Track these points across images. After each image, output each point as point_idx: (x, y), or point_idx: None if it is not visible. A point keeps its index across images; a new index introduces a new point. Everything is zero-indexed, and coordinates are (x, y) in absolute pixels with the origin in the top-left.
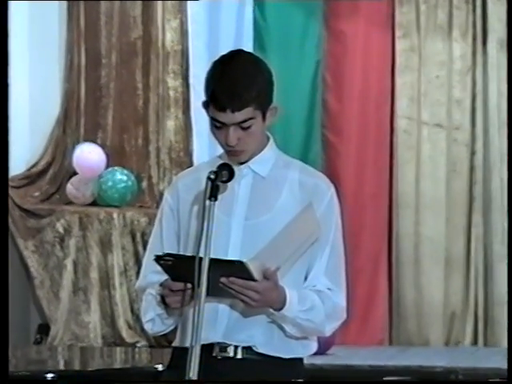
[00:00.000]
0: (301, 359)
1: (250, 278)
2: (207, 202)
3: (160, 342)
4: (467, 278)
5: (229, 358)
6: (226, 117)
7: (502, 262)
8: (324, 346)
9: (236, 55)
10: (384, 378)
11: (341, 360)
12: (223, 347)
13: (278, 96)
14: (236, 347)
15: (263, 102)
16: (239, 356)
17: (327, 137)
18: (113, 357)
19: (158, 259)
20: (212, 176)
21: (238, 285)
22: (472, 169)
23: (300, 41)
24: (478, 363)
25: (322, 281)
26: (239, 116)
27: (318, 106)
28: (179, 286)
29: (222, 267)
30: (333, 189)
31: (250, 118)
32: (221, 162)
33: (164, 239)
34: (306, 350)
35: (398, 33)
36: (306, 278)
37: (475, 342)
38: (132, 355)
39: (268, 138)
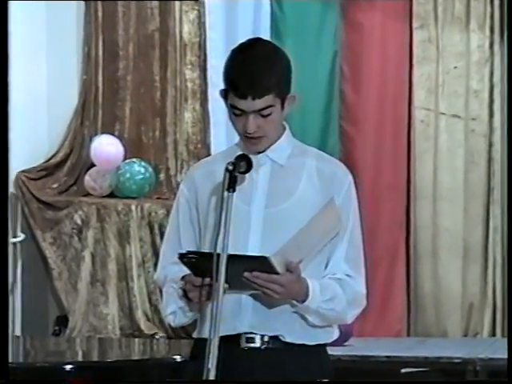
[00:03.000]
0: (324, 345)
1: (273, 271)
2: (225, 194)
3: (178, 333)
4: (485, 269)
5: (255, 348)
6: (246, 104)
7: None
8: (342, 337)
9: (255, 43)
10: (402, 369)
11: (359, 351)
12: (250, 338)
13: (296, 87)
14: (262, 337)
15: (283, 89)
16: (266, 346)
17: (344, 128)
18: (131, 348)
19: (182, 257)
20: (230, 167)
21: (262, 279)
22: (490, 160)
23: (317, 32)
24: (496, 354)
25: (341, 268)
26: (259, 103)
27: (335, 97)
28: (202, 281)
29: (245, 262)
30: (350, 176)
31: (270, 106)
32: (238, 150)
33: (181, 230)
34: (329, 336)
35: (415, 24)
36: (326, 267)
37: (493, 332)
38: (150, 346)
39: (284, 127)
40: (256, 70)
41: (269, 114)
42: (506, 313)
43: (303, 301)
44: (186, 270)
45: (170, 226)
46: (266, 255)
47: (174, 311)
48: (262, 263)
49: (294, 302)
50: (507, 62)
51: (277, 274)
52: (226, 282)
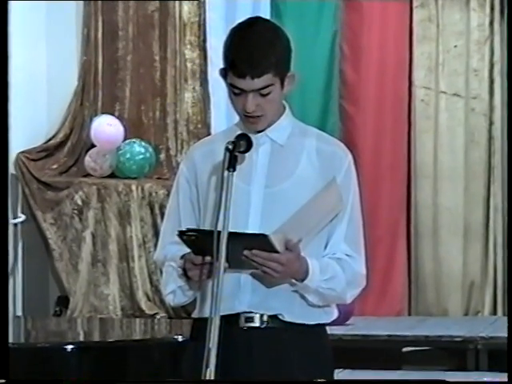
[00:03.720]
0: (324, 325)
1: (273, 250)
2: (225, 173)
3: (179, 313)
4: (486, 248)
5: (254, 327)
6: (246, 83)
7: None
8: (343, 317)
9: (255, 22)
10: (403, 349)
11: (360, 330)
12: (249, 317)
13: (295, 66)
14: (262, 316)
15: (282, 68)
16: (265, 325)
17: (344, 107)
18: (132, 328)
19: (182, 234)
20: (230, 146)
21: (261, 257)
22: (490, 139)
23: (317, 11)
24: (498, 332)
25: (341, 248)
26: (258, 82)
27: (335, 77)
28: (202, 259)
29: (244, 240)
30: (350, 156)
31: (269, 85)
32: (237, 130)
33: (181, 210)
34: (328, 316)
35: (415, 2)
36: (325, 247)
37: (494, 311)
38: (151, 326)
39: (284, 107)
40: (255, 49)
41: (268, 93)
42: (506, 291)
43: (302, 280)
44: (185, 250)
45: (170, 206)
46: (266, 233)
47: (174, 290)
48: (261, 241)
49: (294, 280)
50: (507, 40)
51: (276, 252)
52: (226, 260)
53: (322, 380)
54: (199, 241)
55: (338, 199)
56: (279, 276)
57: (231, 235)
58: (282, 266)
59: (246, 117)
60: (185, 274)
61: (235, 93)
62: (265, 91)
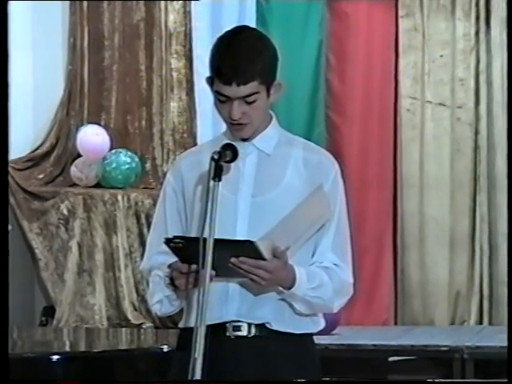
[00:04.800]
0: (311, 334)
1: (260, 257)
2: (211, 183)
3: (165, 323)
4: (472, 258)
5: (242, 336)
6: (231, 90)
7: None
8: (329, 326)
9: (241, 30)
10: (389, 358)
11: (346, 340)
12: (236, 326)
13: (282, 76)
14: (249, 325)
15: (268, 77)
16: (252, 334)
17: (331, 117)
18: (118, 338)
19: (168, 242)
20: (215, 156)
21: (248, 264)
22: (476, 148)
23: (303, 21)
24: (484, 342)
25: (328, 257)
26: (244, 90)
27: (321, 87)
28: (188, 267)
29: (231, 247)
30: (337, 165)
31: (255, 93)
32: (224, 139)
33: (168, 220)
34: (315, 326)
35: (401, 12)
36: (312, 255)
37: (480, 321)
38: (137, 336)
39: (271, 116)
40: (241, 56)
41: (254, 101)
42: (493, 301)
43: (290, 287)
44: (172, 260)
45: (157, 216)
46: (253, 240)
47: (161, 300)
48: (248, 248)
49: (281, 288)
50: (507, 51)
51: (263, 259)
52: (213, 268)
53: (321, 379)
54: (186, 248)
55: (326, 206)
56: (266, 283)
57: (218, 242)
58: (269, 273)
59: (232, 124)
60: (172, 283)
61: (221, 100)
62: (250, 99)
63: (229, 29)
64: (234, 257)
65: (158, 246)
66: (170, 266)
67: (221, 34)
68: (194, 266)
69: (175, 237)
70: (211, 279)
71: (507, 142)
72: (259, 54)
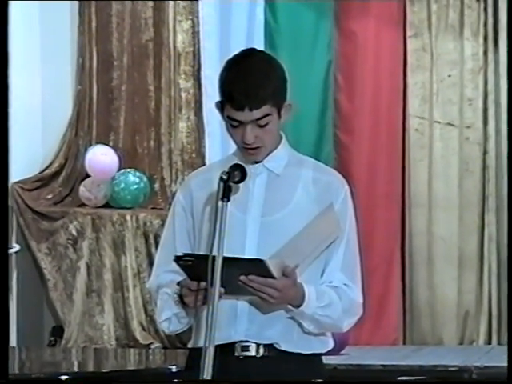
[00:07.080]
0: (319, 355)
1: (269, 275)
2: (220, 203)
3: (174, 343)
4: (481, 277)
5: (250, 356)
6: (244, 115)
7: None
8: (338, 346)
9: (249, 54)
10: (398, 378)
11: (355, 360)
12: (245, 346)
13: (290, 96)
14: (258, 346)
15: (279, 98)
16: (261, 354)
17: (339, 137)
18: (127, 358)
19: (178, 259)
20: (224, 176)
21: (258, 282)
22: (484, 168)
23: (311, 41)
24: (492, 362)
25: (338, 277)
26: (257, 114)
27: (329, 106)
28: (198, 285)
29: (241, 265)
30: (346, 186)
31: (267, 115)
32: (235, 159)
33: (176, 239)
34: (324, 346)
35: (409, 32)
36: (322, 274)
37: (489, 340)
38: (146, 356)
39: (281, 137)
40: (252, 82)
41: (266, 124)
42: (502, 321)
43: (299, 306)
44: (180, 278)
45: (166, 234)
46: (262, 258)
47: (169, 317)
48: (258, 266)
49: (290, 306)
50: (507, 69)
51: (273, 277)
52: (222, 285)
53: (323, 380)
54: (196, 266)
55: (335, 225)
56: (275, 302)
57: (227, 260)
58: (278, 291)
59: (246, 149)
60: (181, 301)
61: (233, 125)
62: (263, 122)
63: (237, 52)
64: (244, 275)
65: (167, 264)
66: (179, 283)
67: (229, 57)
68: (203, 284)
69: (185, 254)
70: (220, 296)
71: (507, 144)
72: (269, 77)
